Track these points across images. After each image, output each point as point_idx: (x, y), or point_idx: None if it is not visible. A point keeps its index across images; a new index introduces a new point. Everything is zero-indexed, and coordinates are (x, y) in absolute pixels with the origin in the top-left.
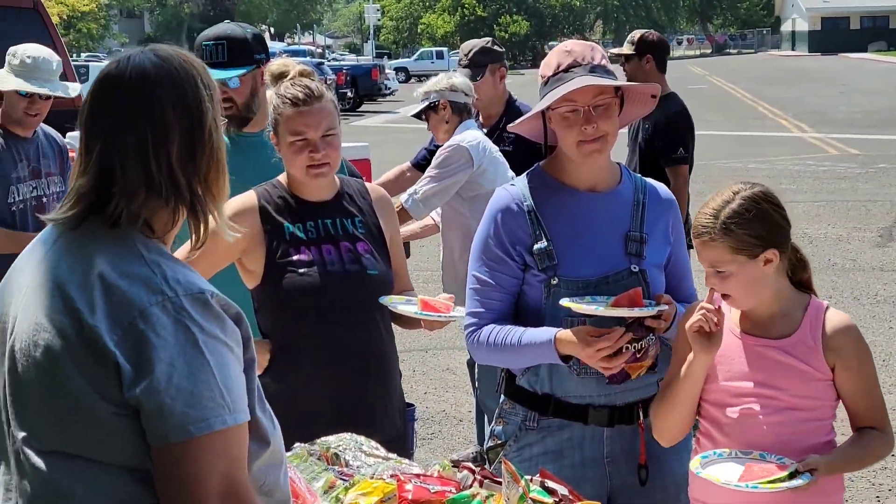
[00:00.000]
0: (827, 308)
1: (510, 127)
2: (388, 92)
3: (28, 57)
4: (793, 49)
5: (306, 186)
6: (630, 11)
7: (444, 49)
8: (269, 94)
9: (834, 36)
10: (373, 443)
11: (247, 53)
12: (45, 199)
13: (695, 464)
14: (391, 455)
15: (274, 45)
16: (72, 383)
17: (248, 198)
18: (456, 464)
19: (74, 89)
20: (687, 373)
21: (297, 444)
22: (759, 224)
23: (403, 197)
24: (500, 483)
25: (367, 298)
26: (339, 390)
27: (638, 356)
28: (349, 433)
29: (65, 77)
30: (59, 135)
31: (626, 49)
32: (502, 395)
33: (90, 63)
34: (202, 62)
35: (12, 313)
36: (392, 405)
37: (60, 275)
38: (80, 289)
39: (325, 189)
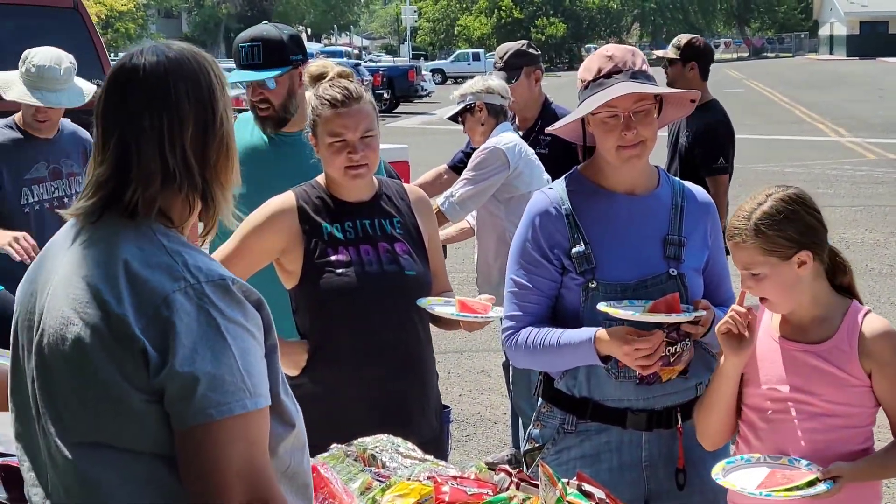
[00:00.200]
0: (867, 313)
1: (549, 129)
2: (425, 93)
3: (34, 66)
4: (830, 53)
5: (345, 187)
6: (667, 14)
7: (481, 51)
8: (308, 95)
9: (872, 40)
10: (409, 444)
11: (283, 54)
12: (66, 200)
13: (716, 470)
14: (427, 457)
15: (311, 46)
16: (102, 373)
17: (287, 198)
18: (492, 466)
19: (88, 93)
20: (719, 375)
21: (333, 445)
22: (791, 225)
23: (440, 200)
24: (536, 486)
25: (404, 299)
26: (376, 391)
27: (671, 360)
28: (386, 434)
29: (98, 70)
30: (85, 132)
31: (672, 53)
32: (540, 399)
33: None
34: (213, 56)
35: (38, 310)
36: (429, 406)
37: (85, 268)
38: (106, 280)
39: (364, 190)
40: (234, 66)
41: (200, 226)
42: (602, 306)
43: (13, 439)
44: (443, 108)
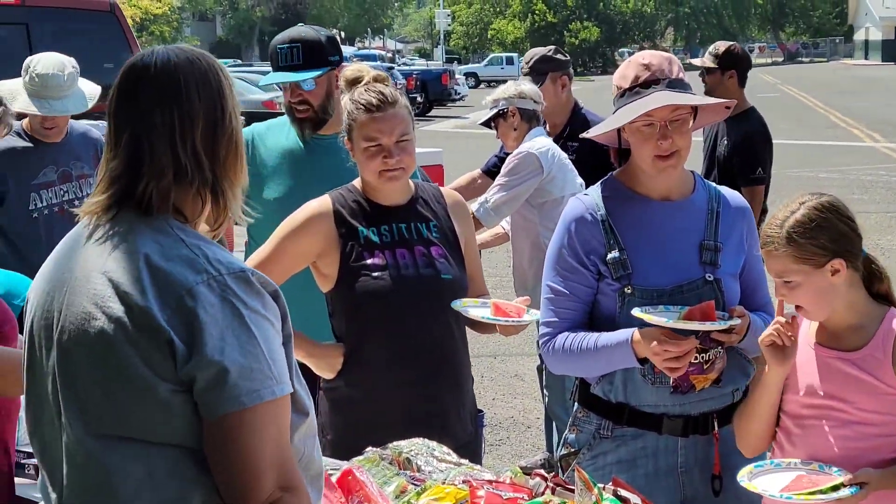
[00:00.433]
0: None
1: (584, 134)
2: (458, 97)
3: (37, 74)
4: (866, 58)
5: (381, 191)
6: (701, 19)
7: (514, 55)
8: (344, 99)
9: None
10: (444, 448)
11: (321, 55)
12: (76, 202)
13: (743, 473)
14: (463, 461)
15: (344, 50)
16: (128, 365)
17: (323, 202)
18: (527, 471)
19: (91, 96)
20: (762, 385)
21: (368, 449)
22: (823, 233)
23: (474, 206)
24: (572, 490)
25: (440, 303)
26: (411, 394)
27: (704, 367)
28: (421, 438)
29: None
30: (97, 132)
31: (709, 61)
32: (576, 404)
33: None
34: (220, 62)
35: (56, 308)
36: (465, 410)
37: (103, 264)
38: (127, 274)
39: (400, 193)
40: (267, 68)
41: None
42: (636, 312)
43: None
44: (476, 111)
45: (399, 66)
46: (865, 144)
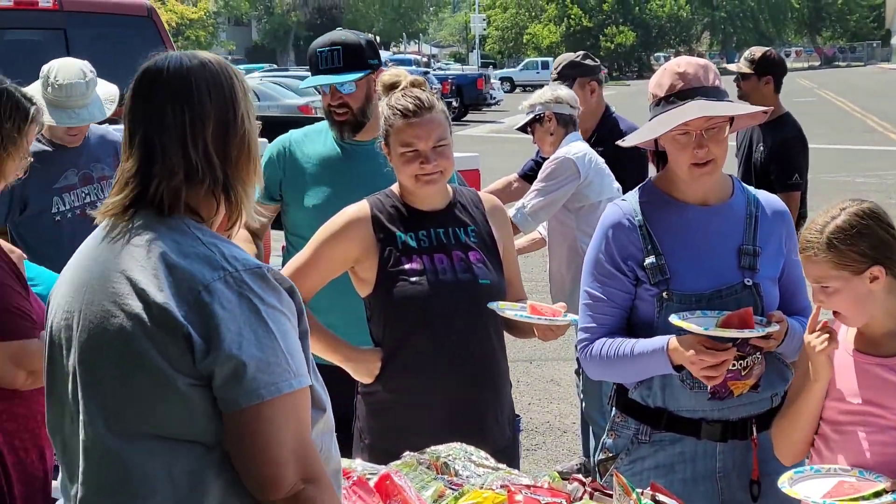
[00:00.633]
0: None
1: (620, 142)
2: (493, 102)
3: (59, 85)
4: None
5: (418, 196)
6: (738, 23)
7: (550, 59)
8: (381, 104)
9: None
10: (482, 453)
11: (361, 59)
12: (98, 204)
13: (784, 479)
14: (500, 465)
15: None
16: (147, 360)
17: (361, 207)
18: (564, 476)
19: (107, 97)
20: (809, 393)
21: (406, 453)
22: (864, 240)
23: (511, 211)
24: (610, 496)
25: (478, 308)
26: (450, 399)
27: (742, 374)
28: (459, 443)
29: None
30: (116, 134)
31: (745, 67)
32: (613, 408)
33: None
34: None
35: (76, 308)
36: (503, 414)
37: (121, 263)
38: (144, 272)
39: (438, 198)
40: (303, 73)
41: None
42: (674, 319)
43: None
44: (511, 116)
45: (434, 70)
46: None
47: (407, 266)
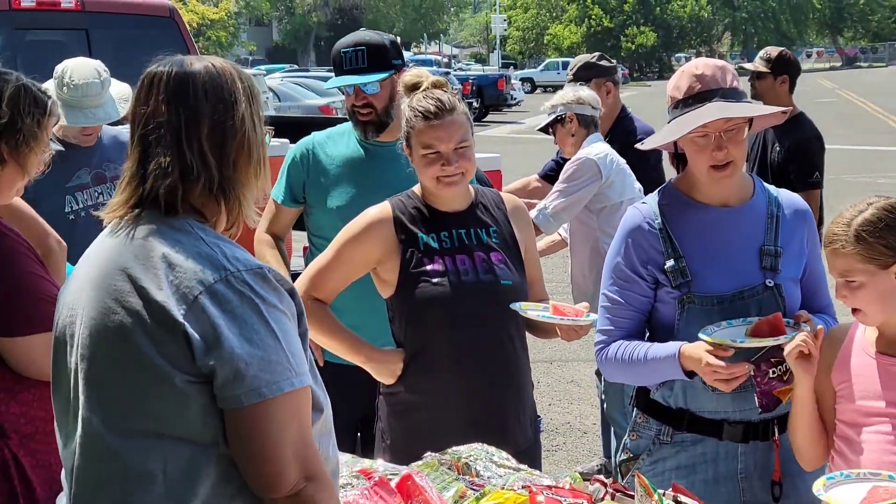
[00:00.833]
0: None
1: (639, 145)
2: (514, 102)
3: (74, 85)
4: None
5: (440, 197)
6: (759, 24)
7: (571, 60)
8: (403, 105)
9: None
10: (503, 454)
11: (385, 59)
12: None
13: (818, 486)
14: (522, 466)
15: None
16: (145, 356)
17: (383, 208)
18: (585, 476)
19: (122, 99)
20: (796, 398)
21: (427, 454)
22: (892, 233)
23: (533, 212)
24: (632, 496)
25: (500, 308)
26: (472, 400)
27: (784, 378)
28: (480, 444)
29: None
30: (128, 135)
31: (761, 66)
32: (635, 409)
33: None
34: (248, 73)
35: (80, 306)
36: (525, 415)
37: (123, 261)
38: (145, 270)
39: (460, 199)
40: (323, 73)
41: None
42: (703, 336)
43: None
44: (532, 116)
45: (455, 71)
46: None
47: (429, 267)
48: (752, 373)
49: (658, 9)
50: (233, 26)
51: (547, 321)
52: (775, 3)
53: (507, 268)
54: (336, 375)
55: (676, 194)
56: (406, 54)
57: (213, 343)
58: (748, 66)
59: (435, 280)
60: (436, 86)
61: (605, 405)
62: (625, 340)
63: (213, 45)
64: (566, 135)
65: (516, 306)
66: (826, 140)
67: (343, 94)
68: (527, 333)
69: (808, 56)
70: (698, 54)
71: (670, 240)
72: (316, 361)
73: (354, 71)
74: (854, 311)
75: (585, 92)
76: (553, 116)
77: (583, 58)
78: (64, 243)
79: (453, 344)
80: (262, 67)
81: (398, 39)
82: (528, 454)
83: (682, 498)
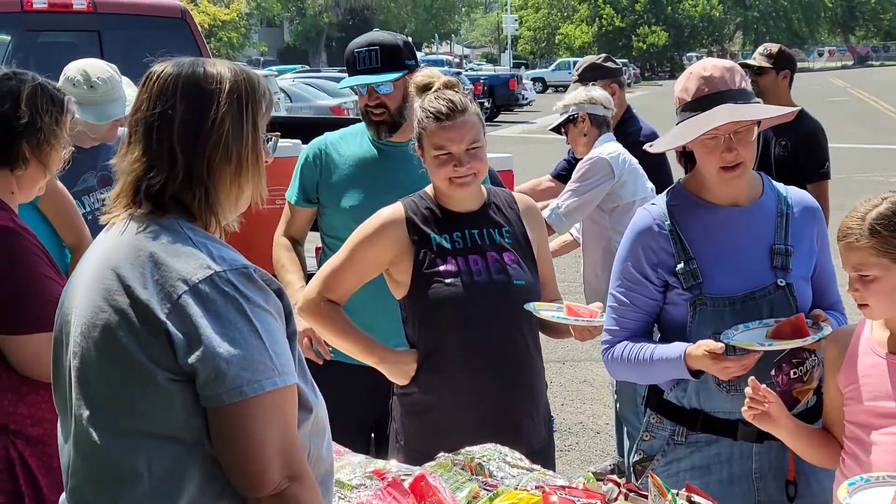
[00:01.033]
0: None
1: (647, 147)
2: (526, 102)
3: (101, 80)
4: None
5: (452, 197)
6: (770, 23)
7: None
8: (415, 106)
9: None
10: (517, 454)
11: (399, 59)
12: None
13: (842, 492)
14: (535, 466)
15: None
16: (130, 355)
17: (396, 209)
18: (598, 476)
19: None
20: (782, 437)
21: (440, 454)
22: None
23: (546, 211)
24: (645, 496)
25: (513, 309)
26: (486, 400)
27: (804, 379)
28: (493, 444)
29: None
30: None
31: (764, 62)
32: (647, 410)
33: None
34: (259, 76)
35: (75, 304)
36: (538, 415)
37: (113, 261)
38: (133, 268)
39: (472, 199)
40: (335, 74)
41: None
42: (725, 340)
43: None
44: (543, 116)
45: (466, 71)
46: None
47: (442, 268)
48: (773, 373)
49: (669, 8)
50: (244, 27)
51: (561, 322)
52: (787, 1)
53: (520, 268)
54: (349, 377)
55: (685, 195)
56: (417, 55)
57: (195, 342)
58: (750, 61)
59: (448, 281)
60: (447, 86)
61: (617, 404)
62: (630, 341)
63: (224, 46)
64: (578, 134)
65: (530, 307)
66: (838, 139)
67: (356, 94)
68: (539, 334)
69: (820, 55)
70: (710, 54)
71: (680, 241)
72: (317, 361)
73: (368, 71)
74: (861, 306)
75: (598, 92)
76: (565, 116)
77: (588, 59)
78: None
79: (466, 344)
80: (274, 68)
81: (410, 40)
82: (542, 454)
83: (695, 498)
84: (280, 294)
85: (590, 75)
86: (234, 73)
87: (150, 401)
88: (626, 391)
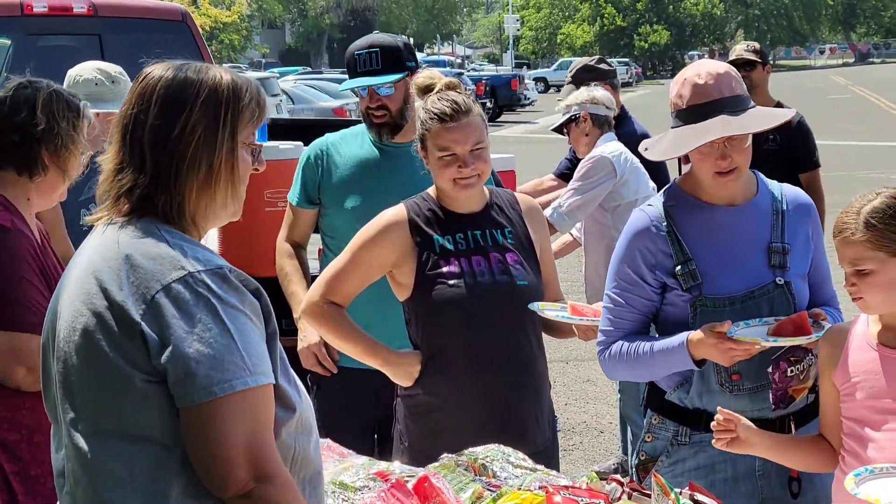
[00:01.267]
0: None
1: (643, 152)
2: (527, 102)
3: (119, 74)
4: None
5: (455, 199)
6: (772, 21)
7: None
8: (417, 106)
9: None
10: (520, 454)
11: (399, 61)
12: None
13: (850, 483)
14: (538, 466)
15: None
16: (106, 356)
17: (398, 211)
18: (603, 476)
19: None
20: (766, 453)
21: (444, 455)
22: None
23: (548, 211)
24: (649, 496)
25: (516, 309)
26: (489, 401)
27: (801, 377)
28: (496, 444)
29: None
30: None
31: (752, 56)
32: (648, 410)
33: None
34: (257, 84)
35: (59, 309)
36: (542, 415)
37: (93, 263)
38: (110, 271)
39: (475, 200)
40: (336, 76)
41: None
42: (730, 335)
43: None
44: (545, 116)
45: (468, 71)
46: None
47: (445, 269)
48: (770, 370)
49: (671, 7)
50: (245, 29)
51: (566, 321)
52: None
53: (523, 268)
54: (353, 379)
55: (682, 195)
56: (419, 55)
57: (167, 342)
58: (743, 55)
59: (451, 282)
60: (449, 87)
61: (621, 403)
62: (625, 340)
63: (225, 48)
64: (580, 134)
65: (534, 307)
66: (839, 136)
67: (357, 96)
68: (542, 333)
69: (821, 52)
70: (711, 52)
71: (678, 242)
72: (324, 374)
73: (368, 73)
74: (855, 299)
75: (600, 92)
76: (567, 116)
77: (582, 61)
78: None
79: (470, 345)
80: (276, 70)
81: (411, 41)
82: (546, 454)
83: (698, 497)
84: (258, 294)
85: (584, 77)
86: (218, 81)
87: (129, 403)
88: (630, 390)
